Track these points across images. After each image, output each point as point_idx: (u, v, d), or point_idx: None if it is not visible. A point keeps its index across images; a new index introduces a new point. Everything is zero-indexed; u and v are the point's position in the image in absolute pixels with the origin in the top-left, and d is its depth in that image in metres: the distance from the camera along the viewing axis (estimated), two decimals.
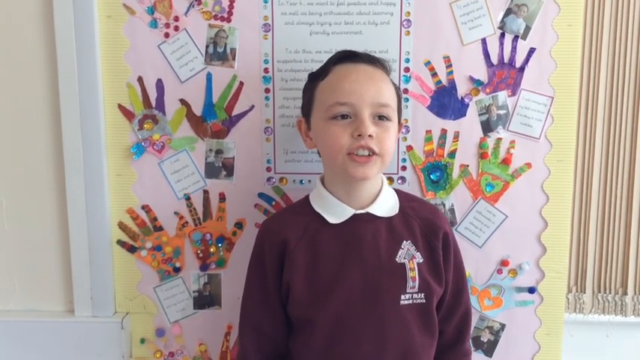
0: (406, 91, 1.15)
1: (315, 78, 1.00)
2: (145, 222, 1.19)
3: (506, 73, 1.15)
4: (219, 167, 1.18)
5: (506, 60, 1.15)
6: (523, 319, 1.20)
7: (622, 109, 1.24)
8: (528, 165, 1.17)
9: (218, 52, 1.15)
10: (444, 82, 1.15)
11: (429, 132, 1.16)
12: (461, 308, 1.06)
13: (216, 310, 1.21)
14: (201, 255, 1.20)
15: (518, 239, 1.18)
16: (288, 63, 1.15)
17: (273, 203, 1.19)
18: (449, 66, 1.15)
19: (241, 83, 1.16)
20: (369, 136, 0.92)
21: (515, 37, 1.14)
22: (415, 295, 0.97)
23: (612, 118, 1.24)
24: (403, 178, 1.18)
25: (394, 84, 1.01)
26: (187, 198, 1.19)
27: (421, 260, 0.99)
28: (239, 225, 1.19)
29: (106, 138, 1.17)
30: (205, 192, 1.19)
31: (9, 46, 1.16)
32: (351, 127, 0.93)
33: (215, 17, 1.14)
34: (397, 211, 1.00)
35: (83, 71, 1.13)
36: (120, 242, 1.20)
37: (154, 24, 1.14)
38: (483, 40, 1.14)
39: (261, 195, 1.19)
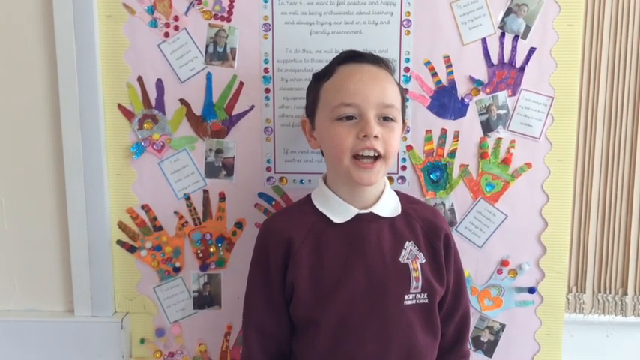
0: (406, 90, 1.15)
1: (320, 78, 1.00)
2: (145, 222, 1.19)
3: (507, 73, 1.15)
4: (219, 167, 1.18)
5: (506, 60, 1.15)
6: (523, 319, 1.20)
7: (622, 109, 1.24)
8: (528, 165, 1.17)
9: (218, 52, 1.15)
10: (444, 82, 1.15)
11: (429, 132, 1.16)
12: (460, 310, 1.06)
13: (216, 310, 1.21)
14: (201, 255, 1.20)
15: (518, 239, 1.18)
16: (288, 63, 1.15)
17: (273, 203, 1.19)
18: (449, 66, 1.15)
19: (241, 83, 1.15)
20: (375, 137, 0.92)
21: (516, 37, 1.14)
22: (418, 295, 0.97)
23: (612, 118, 1.24)
24: (403, 178, 1.18)
25: (398, 84, 1.01)
26: (187, 198, 1.18)
27: (424, 260, 0.99)
28: (239, 225, 1.19)
29: (106, 138, 1.17)
30: (205, 192, 1.19)
31: (9, 46, 1.16)
32: (356, 128, 0.93)
33: (215, 17, 1.14)
34: (399, 212, 1.01)
35: (83, 71, 1.13)
36: (120, 242, 1.20)
37: (153, 23, 1.14)
38: (483, 40, 1.14)
39: (261, 195, 1.19)
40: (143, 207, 1.19)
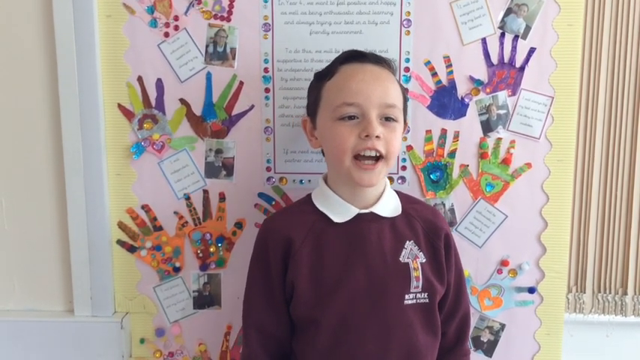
0: (406, 90, 1.15)
1: (322, 77, 1.00)
2: (145, 222, 1.19)
3: (507, 73, 1.15)
4: (219, 167, 1.18)
5: (506, 60, 1.15)
6: (523, 319, 1.20)
7: (622, 108, 1.24)
8: (528, 165, 1.17)
9: (218, 52, 1.15)
10: (444, 81, 1.15)
11: (429, 132, 1.16)
12: (461, 310, 1.06)
13: (216, 310, 1.21)
14: (200, 255, 1.20)
15: (518, 239, 1.18)
16: (288, 63, 1.15)
17: (273, 203, 1.19)
18: (449, 66, 1.15)
19: (241, 83, 1.15)
20: (377, 137, 0.92)
21: (516, 37, 1.14)
22: (419, 295, 0.97)
23: (612, 118, 1.24)
24: (403, 178, 1.18)
25: (400, 84, 1.01)
26: (187, 198, 1.18)
27: (424, 260, 0.99)
28: (239, 225, 1.19)
29: (106, 138, 1.17)
30: (205, 192, 1.19)
31: (9, 46, 1.15)
32: (358, 128, 0.93)
33: (215, 17, 1.14)
34: (400, 212, 1.01)
35: (83, 71, 1.13)
36: (120, 242, 1.20)
37: (153, 23, 1.14)
38: (483, 40, 1.14)
39: (261, 195, 1.19)
40: (143, 207, 1.19)
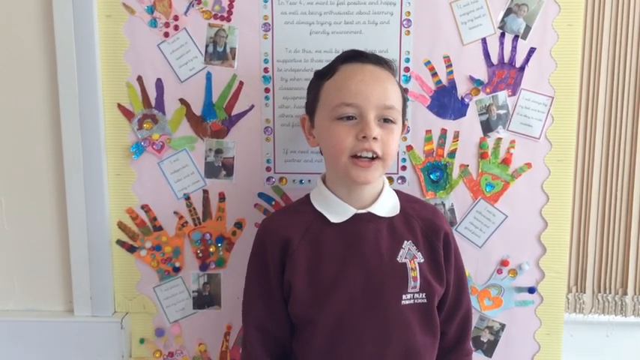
0: (406, 90, 1.15)
1: (321, 76, 1.00)
2: (145, 222, 1.19)
3: (507, 73, 1.15)
4: (219, 167, 1.18)
5: (506, 60, 1.14)
6: (523, 319, 1.20)
7: (622, 109, 1.24)
8: (528, 165, 1.17)
9: (218, 52, 1.15)
10: (444, 81, 1.15)
11: (429, 132, 1.16)
12: (462, 309, 1.06)
13: (216, 310, 1.21)
14: (200, 255, 1.20)
15: (518, 239, 1.18)
16: (288, 62, 1.15)
17: (273, 203, 1.19)
18: (449, 66, 1.15)
19: (241, 83, 1.15)
20: (374, 138, 0.92)
21: (516, 37, 1.14)
22: (416, 295, 0.97)
23: (612, 118, 1.24)
24: (403, 178, 1.18)
25: (400, 85, 1.01)
26: (187, 198, 1.18)
27: (422, 260, 0.99)
28: (239, 225, 1.19)
29: (106, 138, 1.17)
30: (205, 192, 1.19)
31: (9, 46, 1.15)
32: (355, 129, 0.93)
33: (215, 16, 1.14)
34: (398, 211, 1.00)
35: (83, 71, 1.13)
36: (119, 242, 1.20)
37: (153, 23, 1.14)
38: (483, 40, 1.14)
39: (260, 195, 1.18)
40: (143, 207, 1.19)
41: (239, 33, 1.14)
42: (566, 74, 1.14)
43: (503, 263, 1.19)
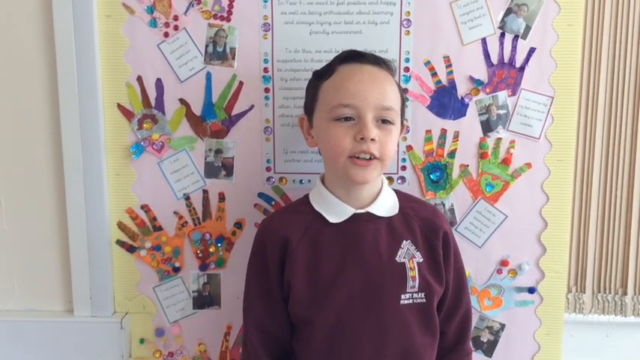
0: (406, 90, 1.15)
1: (320, 76, 0.99)
2: (145, 222, 1.19)
3: (506, 73, 1.15)
4: (219, 167, 1.18)
5: (506, 60, 1.14)
6: (523, 319, 1.20)
7: (622, 109, 1.24)
8: (528, 165, 1.17)
9: (218, 52, 1.15)
10: (444, 81, 1.15)
11: (428, 132, 1.16)
12: (461, 309, 1.06)
13: (216, 310, 1.21)
14: (200, 255, 1.20)
15: (518, 239, 1.18)
16: (287, 62, 1.15)
17: (273, 203, 1.19)
18: (449, 66, 1.15)
19: (241, 83, 1.15)
20: (372, 140, 0.92)
21: (516, 37, 1.14)
22: (415, 295, 0.97)
23: (612, 117, 1.24)
24: (403, 178, 1.18)
25: (399, 85, 1.01)
26: (187, 198, 1.18)
27: (421, 260, 0.99)
28: (238, 225, 1.19)
29: (106, 138, 1.17)
30: (205, 192, 1.18)
31: (9, 46, 1.15)
32: (353, 130, 0.93)
33: (215, 16, 1.14)
34: (397, 211, 1.00)
35: (82, 71, 1.13)
36: (119, 242, 1.20)
37: (153, 23, 1.14)
38: (483, 40, 1.14)
39: (260, 195, 1.18)
40: (142, 207, 1.19)
41: (239, 33, 1.14)
42: (566, 74, 1.14)
43: (503, 263, 1.19)
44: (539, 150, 1.16)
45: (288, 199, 1.18)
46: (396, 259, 0.97)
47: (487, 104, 1.16)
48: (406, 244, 0.99)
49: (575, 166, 1.23)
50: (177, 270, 1.20)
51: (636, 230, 1.27)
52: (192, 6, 1.13)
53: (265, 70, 1.15)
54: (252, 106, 1.16)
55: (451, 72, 1.15)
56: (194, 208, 1.19)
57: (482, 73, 1.15)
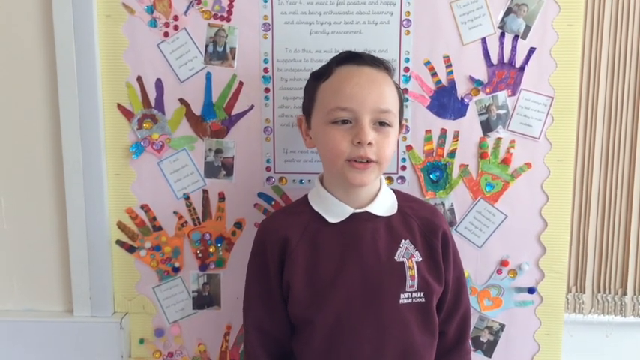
0: (406, 90, 1.15)
1: (318, 78, 0.99)
2: (144, 222, 1.19)
3: (506, 73, 1.15)
4: (219, 167, 1.18)
5: (506, 60, 1.14)
6: (523, 319, 1.20)
7: (622, 109, 1.24)
8: (528, 165, 1.17)
9: (217, 52, 1.15)
10: (444, 81, 1.15)
11: (428, 132, 1.16)
12: (461, 309, 1.06)
13: (216, 310, 1.21)
14: (200, 255, 1.20)
15: (518, 239, 1.18)
16: (287, 62, 1.15)
17: (273, 203, 1.19)
18: (449, 66, 1.15)
19: (241, 83, 1.15)
20: (369, 143, 0.92)
21: (516, 37, 1.14)
22: (414, 294, 0.97)
23: (612, 117, 1.24)
24: (403, 178, 1.18)
25: (397, 86, 1.00)
26: (186, 198, 1.18)
27: (420, 259, 0.99)
28: (238, 225, 1.19)
29: (105, 137, 1.17)
30: (205, 192, 1.18)
31: (8, 46, 1.15)
32: (351, 134, 0.93)
33: (214, 16, 1.14)
34: (395, 211, 1.00)
35: (82, 71, 1.13)
36: (119, 242, 1.20)
37: (153, 23, 1.14)
38: (483, 40, 1.14)
39: (260, 195, 1.18)
40: (142, 207, 1.19)
41: (239, 33, 1.14)
42: (566, 74, 1.14)
43: (503, 263, 1.19)
44: (539, 150, 1.16)
45: (287, 199, 1.18)
46: (395, 258, 0.97)
47: (487, 104, 1.16)
48: (405, 244, 0.99)
49: (575, 166, 1.23)
50: (176, 270, 1.20)
51: (636, 230, 1.27)
52: (192, 6, 1.13)
53: (265, 70, 1.15)
54: (252, 106, 1.16)
55: (451, 72, 1.15)
56: (194, 208, 1.19)
57: (482, 73, 1.15)
